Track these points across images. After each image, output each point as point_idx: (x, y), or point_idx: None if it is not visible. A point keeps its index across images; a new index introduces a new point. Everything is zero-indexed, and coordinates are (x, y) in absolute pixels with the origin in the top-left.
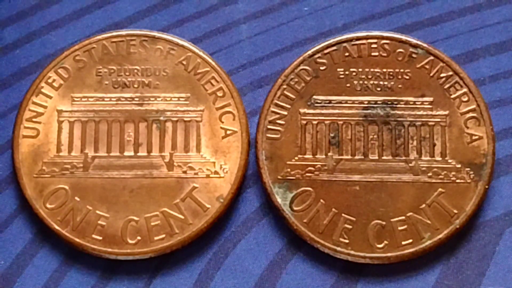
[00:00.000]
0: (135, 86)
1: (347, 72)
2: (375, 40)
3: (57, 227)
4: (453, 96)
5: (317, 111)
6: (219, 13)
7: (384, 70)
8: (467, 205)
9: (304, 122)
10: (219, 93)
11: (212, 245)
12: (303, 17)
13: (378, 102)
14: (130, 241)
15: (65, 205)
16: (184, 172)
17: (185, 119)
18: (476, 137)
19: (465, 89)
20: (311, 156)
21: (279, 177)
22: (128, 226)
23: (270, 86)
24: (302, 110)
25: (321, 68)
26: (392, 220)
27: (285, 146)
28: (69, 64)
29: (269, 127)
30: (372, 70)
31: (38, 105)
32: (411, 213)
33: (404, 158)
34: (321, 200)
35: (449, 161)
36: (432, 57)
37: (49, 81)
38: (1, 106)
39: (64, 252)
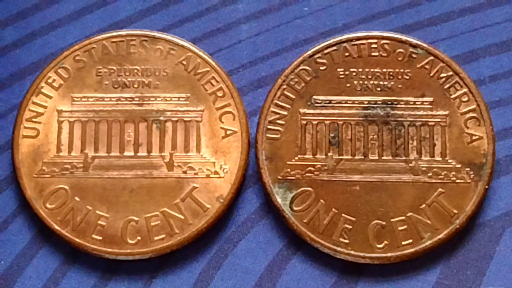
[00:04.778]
0: (135, 86)
1: (347, 72)
2: (375, 40)
3: (57, 227)
4: (453, 96)
5: (317, 111)
6: (219, 13)
7: (384, 70)
8: (467, 205)
9: (304, 122)
10: (219, 93)
11: (212, 245)
12: (303, 17)
13: (378, 102)
14: (130, 241)
15: (65, 205)
16: (184, 172)
17: (185, 119)
18: (476, 137)
19: (465, 89)
20: (311, 156)
21: (279, 177)
22: (128, 226)
23: (270, 86)
24: (302, 110)
25: (321, 68)
26: (392, 220)
27: (285, 146)
28: (69, 64)
29: (269, 127)
30: (372, 70)
31: (38, 105)
32: (411, 213)
33: (404, 158)
34: (321, 200)
35: (449, 161)
36: (432, 57)
37: (49, 81)
38: (1, 106)
39: (64, 252)
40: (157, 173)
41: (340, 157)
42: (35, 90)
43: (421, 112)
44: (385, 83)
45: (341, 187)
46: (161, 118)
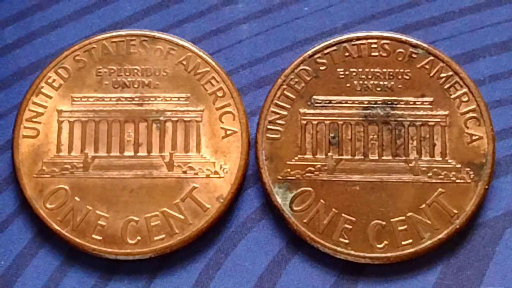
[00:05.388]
0: (135, 86)
1: (347, 72)
2: (375, 40)
3: (57, 227)
4: (453, 96)
5: (317, 111)
6: (219, 13)
7: (384, 70)
8: (467, 205)
9: (304, 122)
10: (219, 93)
11: (212, 245)
12: (303, 17)
13: (378, 102)
14: (130, 241)
15: (65, 205)
16: (184, 172)
17: (185, 119)
18: (476, 137)
19: (465, 89)
20: (311, 156)
21: (279, 177)
22: (128, 226)
23: (270, 86)
24: (302, 110)
25: (321, 68)
26: (392, 220)
27: (285, 146)
28: (69, 64)
29: (269, 127)
30: (372, 70)
31: (38, 105)
32: (411, 213)
33: (404, 158)
34: (321, 200)
35: (449, 161)
36: (432, 57)
37: (49, 81)
38: (1, 106)
39: (64, 252)
40: (157, 173)
41: (340, 157)
42: (35, 90)
43: (421, 112)
44: (385, 83)
45: (341, 187)
46: (161, 118)
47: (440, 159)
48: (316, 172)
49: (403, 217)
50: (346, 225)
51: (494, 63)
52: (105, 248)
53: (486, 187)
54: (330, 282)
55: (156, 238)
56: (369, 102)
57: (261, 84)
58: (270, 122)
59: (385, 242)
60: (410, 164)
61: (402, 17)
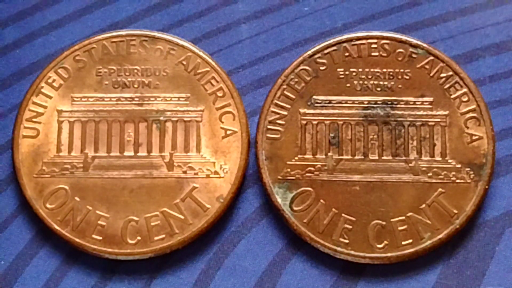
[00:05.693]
0: (135, 86)
1: (347, 72)
2: (375, 40)
3: (57, 227)
4: (453, 96)
5: (317, 111)
6: (219, 13)
7: (384, 70)
8: (467, 205)
9: (304, 122)
10: (219, 93)
11: (212, 245)
12: (303, 17)
13: (378, 102)
14: (130, 241)
15: (65, 205)
16: (184, 172)
17: (185, 119)
18: (476, 137)
19: (465, 89)
20: (311, 156)
21: (279, 177)
22: (128, 226)
23: (270, 86)
24: (302, 110)
25: (321, 68)
26: (392, 220)
27: (285, 146)
28: (69, 64)
29: (269, 127)
30: (372, 70)
31: (38, 105)
32: (411, 213)
33: (404, 158)
34: (321, 200)
35: (449, 161)
36: (432, 57)
37: (49, 81)
38: (1, 106)
39: (64, 252)
40: (157, 173)
41: (340, 157)
42: (35, 90)
43: (421, 112)
44: (385, 83)
45: (341, 187)
46: (161, 118)
47: (440, 159)
48: (316, 172)
49: (403, 217)
50: (346, 225)
51: (494, 63)
52: (105, 248)
53: (486, 187)
54: (330, 282)
55: (156, 238)
56: (369, 102)
57: (261, 84)
58: (270, 122)
59: (385, 242)
60: (410, 164)
61: (402, 17)
